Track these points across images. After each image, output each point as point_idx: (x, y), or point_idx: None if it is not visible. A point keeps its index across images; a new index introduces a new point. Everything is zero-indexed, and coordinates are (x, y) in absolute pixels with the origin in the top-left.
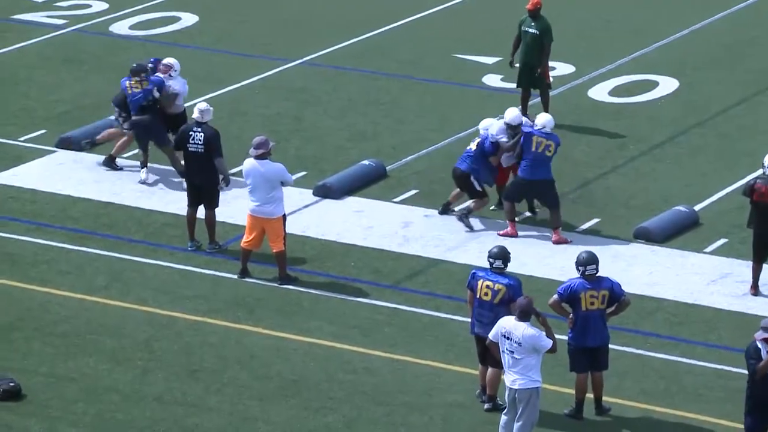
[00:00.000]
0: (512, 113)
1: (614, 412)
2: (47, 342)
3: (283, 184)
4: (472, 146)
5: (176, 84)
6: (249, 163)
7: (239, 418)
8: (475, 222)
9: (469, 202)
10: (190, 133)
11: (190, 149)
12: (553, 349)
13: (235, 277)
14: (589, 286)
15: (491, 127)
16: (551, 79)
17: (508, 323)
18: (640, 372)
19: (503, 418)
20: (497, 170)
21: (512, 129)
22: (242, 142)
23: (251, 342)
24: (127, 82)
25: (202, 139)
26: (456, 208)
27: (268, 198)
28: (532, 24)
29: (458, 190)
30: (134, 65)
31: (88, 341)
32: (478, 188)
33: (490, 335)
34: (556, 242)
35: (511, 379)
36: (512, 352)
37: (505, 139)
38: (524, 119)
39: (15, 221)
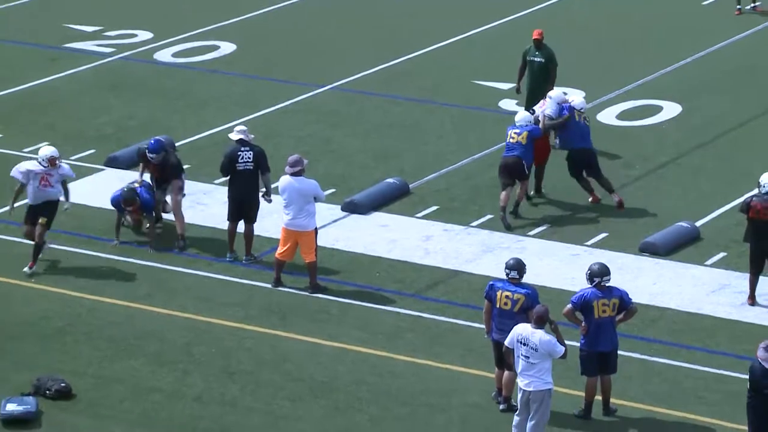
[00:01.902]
0: (556, 91)
1: (620, 413)
2: (95, 346)
3: (315, 199)
4: (520, 139)
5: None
6: (285, 179)
7: (273, 417)
8: (491, 236)
9: (518, 197)
10: (239, 153)
11: (239, 168)
12: (564, 355)
13: (270, 286)
14: (601, 295)
15: (547, 107)
16: None
17: (524, 330)
18: (644, 376)
19: (516, 418)
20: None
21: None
22: (276, 162)
23: (284, 346)
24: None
25: (251, 157)
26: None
27: (302, 212)
28: (537, 53)
29: (504, 192)
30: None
31: (133, 345)
32: (527, 171)
33: (506, 342)
34: (619, 204)
35: (525, 382)
36: (528, 356)
37: (549, 112)
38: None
39: (66, 234)
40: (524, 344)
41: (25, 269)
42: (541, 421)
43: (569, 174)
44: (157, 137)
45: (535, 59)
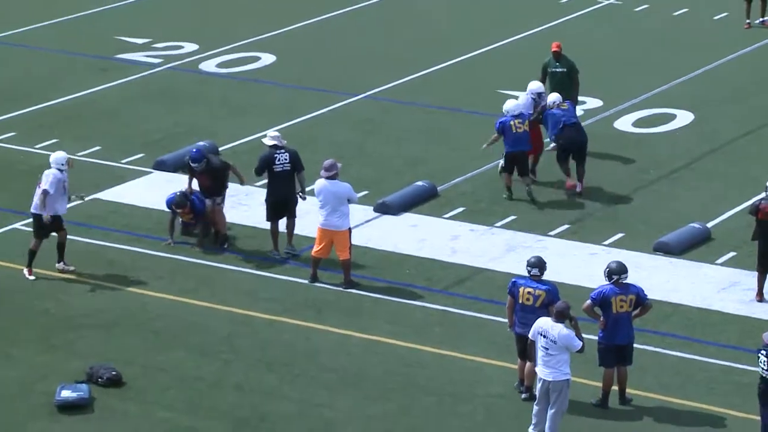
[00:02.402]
0: (535, 84)
1: (636, 402)
2: (144, 337)
3: (349, 201)
4: (525, 128)
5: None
6: (320, 183)
7: (308, 405)
8: (514, 236)
9: (527, 186)
10: (275, 155)
11: (276, 170)
12: (581, 349)
13: (306, 282)
14: (619, 292)
15: (522, 105)
16: None
17: (545, 323)
18: (658, 368)
19: (535, 407)
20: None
21: (538, 96)
22: (312, 166)
23: (319, 339)
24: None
25: (288, 158)
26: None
27: (336, 213)
28: (557, 64)
29: (507, 174)
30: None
31: (179, 336)
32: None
33: (530, 334)
34: (572, 187)
35: (544, 372)
36: (547, 348)
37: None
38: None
39: (117, 232)
40: (544, 336)
41: (71, 267)
42: (560, 409)
43: (558, 159)
44: (200, 143)
45: (557, 70)
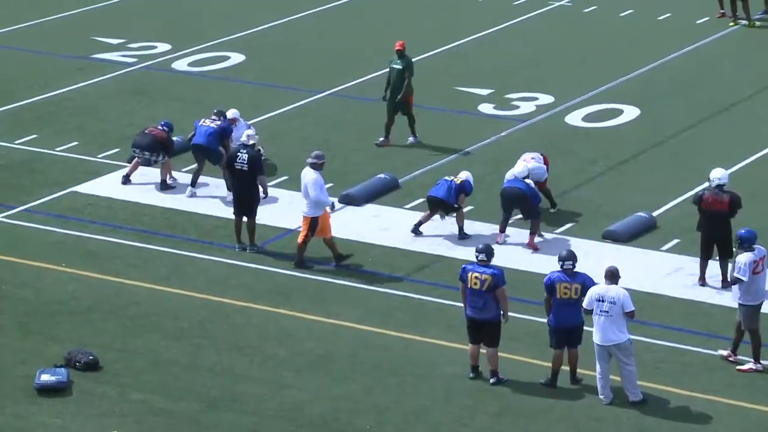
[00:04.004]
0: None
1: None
2: (120, 323)
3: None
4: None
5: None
6: (305, 170)
7: (277, 386)
8: (471, 224)
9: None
10: (237, 154)
11: (236, 167)
12: (633, 313)
13: (275, 269)
14: (565, 279)
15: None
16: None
17: (599, 289)
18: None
19: (599, 375)
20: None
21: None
22: (280, 159)
23: (288, 323)
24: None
25: (246, 159)
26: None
27: (306, 200)
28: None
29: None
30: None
31: (154, 322)
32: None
33: (584, 304)
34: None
35: (605, 338)
36: (607, 311)
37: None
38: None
39: (94, 224)
40: (602, 300)
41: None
42: (634, 365)
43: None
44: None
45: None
